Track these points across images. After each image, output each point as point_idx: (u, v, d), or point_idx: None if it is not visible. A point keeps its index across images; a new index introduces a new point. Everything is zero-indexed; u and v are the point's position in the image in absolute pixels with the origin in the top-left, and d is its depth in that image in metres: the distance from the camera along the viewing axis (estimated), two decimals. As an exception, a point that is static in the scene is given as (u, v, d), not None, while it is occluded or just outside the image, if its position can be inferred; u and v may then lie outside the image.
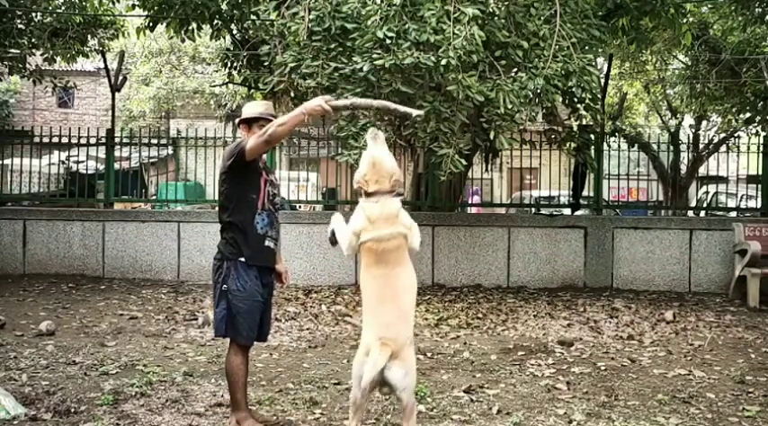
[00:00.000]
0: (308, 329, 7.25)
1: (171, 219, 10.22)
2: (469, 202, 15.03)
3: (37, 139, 11.53)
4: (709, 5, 12.56)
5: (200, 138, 11.36)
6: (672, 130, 20.23)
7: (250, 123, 4.42)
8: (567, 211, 11.14)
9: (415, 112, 4.51)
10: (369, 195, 4.06)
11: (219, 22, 10.22)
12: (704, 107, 15.33)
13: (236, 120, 4.53)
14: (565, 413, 4.73)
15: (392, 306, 3.90)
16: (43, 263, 10.20)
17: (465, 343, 6.72)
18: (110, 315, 7.70)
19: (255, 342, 4.46)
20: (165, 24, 10.47)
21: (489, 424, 4.55)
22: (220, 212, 4.43)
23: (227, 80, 11.69)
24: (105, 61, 11.88)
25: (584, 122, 9.13)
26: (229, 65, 10.89)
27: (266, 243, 4.37)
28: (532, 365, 5.96)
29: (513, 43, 7.34)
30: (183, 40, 10.91)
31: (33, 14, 11.15)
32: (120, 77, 12.36)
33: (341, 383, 5.37)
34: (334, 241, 4.31)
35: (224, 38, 11.13)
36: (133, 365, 5.71)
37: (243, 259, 4.27)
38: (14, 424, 4.39)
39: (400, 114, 5.10)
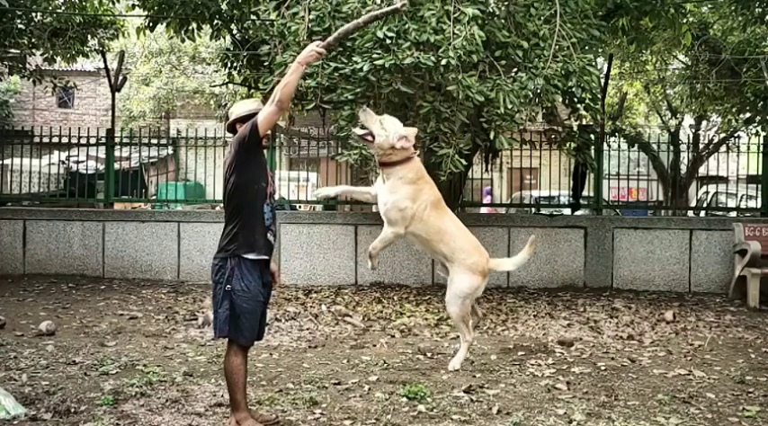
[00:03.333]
0: (308, 329, 7.25)
1: (171, 219, 10.22)
2: (483, 202, 15.05)
3: (37, 139, 11.53)
4: (709, 5, 12.56)
5: (200, 138, 11.36)
6: (672, 130, 20.22)
7: (246, 121, 4.40)
8: (567, 211, 11.14)
9: (398, 4, 4.88)
10: (404, 160, 4.27)
11: (219, 22, 10.22)
12: (704, 107, 15.33)
13: (230, 120, 4.49)
14: (565, 413, 4.73)
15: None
16: (43, 263, 10.20)
17: (465, 343, 6.72)
18: (110, 315, 7.70)
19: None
20: (165, 24, 10.47)
21: (489, 424, 4.55)
22: (229, 203, 4.35)
23: (227, 80, 11.69)
24: (105, 61, 11.88)
25: (584, 122, 9.12)
26: (229, 65, 10.88)
27: (268, 236, 4.38)
28: (532, 365, 5.96)
29: (513, 43, 7.34)
30: (183, 40, 10.91)
31: (33, 14, 11.13)
32: (120, 77, 12.36)
33: (341, 383, 5.37)
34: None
35: (224, 38, 11.13)
36: (133, 365, 5.71)
37: (249, 255, 4.25)
38: (14, 424, 4.39)
39: (388, 14, 5.16)
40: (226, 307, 4.23)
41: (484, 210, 13.87)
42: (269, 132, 4.34)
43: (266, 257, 4.38)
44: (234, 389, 4.29)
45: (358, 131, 4.58)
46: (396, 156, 4.40)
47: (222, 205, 4.54)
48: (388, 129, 4.43)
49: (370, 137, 4.47)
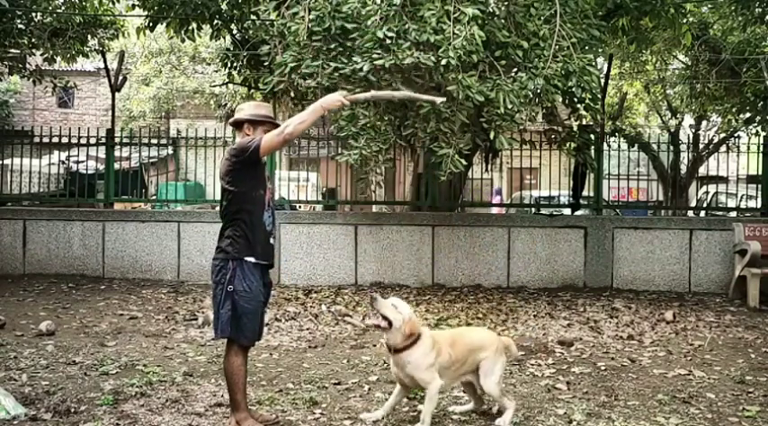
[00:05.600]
0: (307, 329, 7.25)
1: (171, 219, 10.22)
2: (492, 202, 15.03)
3: (37, 139, 11.53)
4: (709, 5, 12.57)
5: (201, 138, 11.36)
6: (672, 130, 20.23)
7: (254, 124, 4.41)
8: (567, 211, 11.14)
9: (438, 100, 4.84)
10: (417, 339, 4.45)
11: (219, 22, 10.23)
12: (704, 107, 15.33)
13: (240, 117, 4.45)
14: (565, 413, 4.73)
15: None
16: (43, 263, 10.20)
17: (465, 343, 6.72)
18: (110, 315, 7.70)
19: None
20: (165, 24, 10.48)
21: (489, 424, 4.55)
22: (227, 209, 4.35)
23: (227, 80, 11.71)
24: (105, 61, 11.88)
25: (584, 122, 9.12)
26: (229, 65, 10.90)
27: (271, 241, 4.40)
28: (532, 365, 5.96)
29: (513, 43, 7.34)
30: (183, 40, 10.92)
31: (33, 14, 11.14)
32: (120, 77, 12.36)
33: (341, 383, 5.37)
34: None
35: (224, 38, 11.14)
36: (133, 365, 5.71)
37: (250, 258, 4.26)
38: (14, 424, 4.39)
39: (425, 102, 5.20)
40: (228, 308, 4.22)
41: (494, 210, 13.86)
42: None
43: (267, 262, 4.39)
44: (234, 389, 4.29)
45: (371, 321, 4.57)
46: (410, 339, 4.44)
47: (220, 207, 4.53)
48: (403, 311, 4.44)
49: (385, 323, 4.43)
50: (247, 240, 4.26)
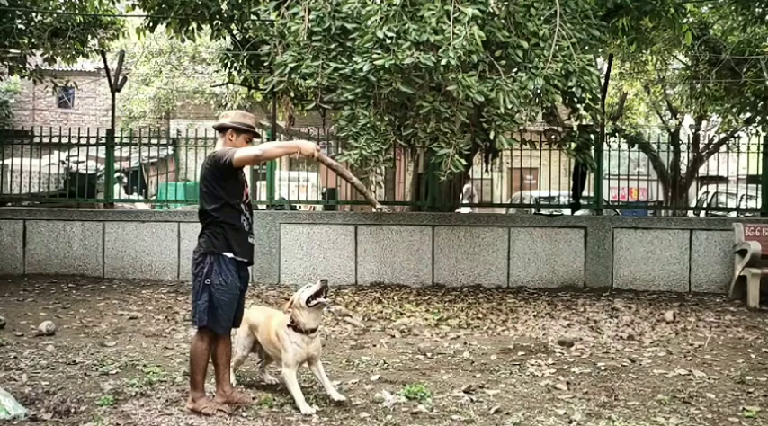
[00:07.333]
0: (308, 329, 7.24)
1: (171, 219, 10.22)
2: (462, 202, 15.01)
3: (37, 139, 11.53)
4: (710, 5, 12.56)
5: (201, 138, 11.35)
6: (672, 130, 20.22)
7: (239, 132, 4.65)
8: (567, 211, 11.13)
9: (377, 205, 5.16)
10: None
11: (219, 22, 10.23)
12: (704, 107, 15.32)
13: (224, 123, 4.69)
14: (565, 413, 4.73)
15: None
16: (43, 263, 10.20)
17: (465, 343, 6.73)
18: (110, 315, 7.70)
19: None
20: (165, 24, 10.48)
21: (489, 424, 4.55)
22: (204, 209, 4.59)
23: (227, 80, 11.70)
24: (105, 61, 11.86)
25: (584, 122, 9.12)
26: (229, 65, 10.89)
27: (250, 240, 4.67)
28: (532, 365, 5.96)
29: (513, 43, 7.34)
30: (183, 40, 10.92)
31: (33, 14, 11.15)
32: (120, 77, 12.35)
33: (341, 383, 5.37)
34: None
35: (224, 38, 11.14)
36: (133, 365, 5.71)
37: (229, 254, 4.51)
38: (14, 424, 4.39)
39: (366, 199, 5.42)
40: (205, 299, 4.50)
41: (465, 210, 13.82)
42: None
43: (246, 259, 4.64)
44: (195, 370, 4.60)
45: None
46: None
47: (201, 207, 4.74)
48: None
49: None
50: (225, 238, 4.52)
